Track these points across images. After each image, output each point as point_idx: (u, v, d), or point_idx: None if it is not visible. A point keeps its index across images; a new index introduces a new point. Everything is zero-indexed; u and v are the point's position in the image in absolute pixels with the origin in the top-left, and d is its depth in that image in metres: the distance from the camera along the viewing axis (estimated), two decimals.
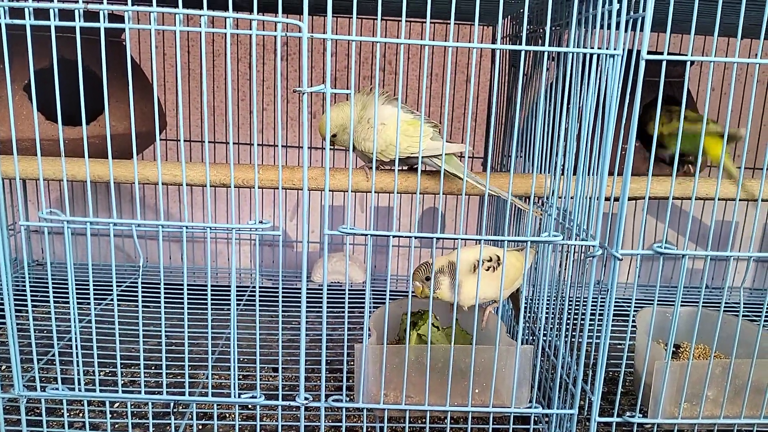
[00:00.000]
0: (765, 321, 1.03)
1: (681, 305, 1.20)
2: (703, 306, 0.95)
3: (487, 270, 1.01)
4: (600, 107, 0.85)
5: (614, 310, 1.46)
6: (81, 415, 1.07)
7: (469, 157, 1.75)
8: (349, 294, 1.00)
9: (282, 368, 0.96)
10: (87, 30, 0.78)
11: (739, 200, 0.96)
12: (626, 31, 0.81)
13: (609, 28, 0.81)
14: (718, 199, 0.94)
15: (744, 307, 1.71)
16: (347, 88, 0.80)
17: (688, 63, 0.82)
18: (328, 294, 1.04)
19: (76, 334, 0.89)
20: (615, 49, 0.81)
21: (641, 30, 0.79)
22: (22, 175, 0.99)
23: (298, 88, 0.76)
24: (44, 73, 1.02)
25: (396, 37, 1.69)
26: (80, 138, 1.13)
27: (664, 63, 0.78)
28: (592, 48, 0.84)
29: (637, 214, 1.83)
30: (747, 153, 1.69)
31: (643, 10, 0.77)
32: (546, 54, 0.84)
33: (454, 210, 1.87)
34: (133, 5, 0.77)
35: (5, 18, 0.76)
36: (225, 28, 0.76)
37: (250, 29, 0.77)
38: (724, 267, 1.15)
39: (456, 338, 1.10)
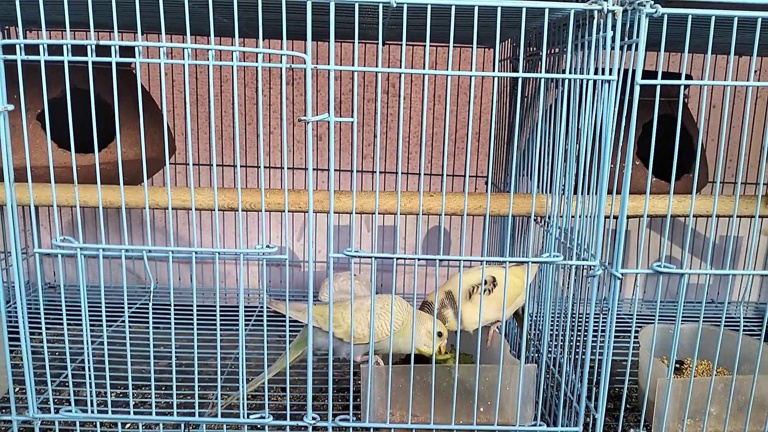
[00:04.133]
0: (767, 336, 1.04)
1: (686, 321, 1.22)
2: (707, 322, 0.96)
3: (484, 293, 1.04)
4: (598, 129, 0.87)
5: (619, 327, 1.46)
6: None
7: (472, 176, 1.78)
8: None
9: (290, 388, 0.97)
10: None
11: (738, 216, 0.97)
12: (622, 50, 0.83)
13: (604, 48, 0.83)
14: (717, 216, 0.95)
15: (750, 323, 1.72)
16: (351, 111, 0.82)
17: (682, 87, 0.84)
18: None
19: (88, 356, 0.92)
20: (610, 75, 0.83)
21: (636, 50, 0.81)
22: (36, 201, 1.02)
23: (302, 118, 0.78)
24: (56, 102, 1.05)
25: (398, 60, 1.72)
26: (92, 165, 1.16)
27: (659, 87, 0.80)
28: (589, 72, 0.86)
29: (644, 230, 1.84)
30: (748, 169, 1.71)
31: (637, 36, 0.80)
32: (543, 80, 0.86)
33: (459, 228, 1.89)
34: (142, 37, 0.80)
35: (21, 54, 0.80)
36: (231, 59, 0.79)
37: (256, 61, 0.79)
38: (728, 282, 1.16)
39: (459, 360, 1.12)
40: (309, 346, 0.92)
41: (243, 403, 0.94)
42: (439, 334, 1.04)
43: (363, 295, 1.80)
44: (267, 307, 0.98)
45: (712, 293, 1.91)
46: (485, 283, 1.05)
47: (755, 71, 1.61)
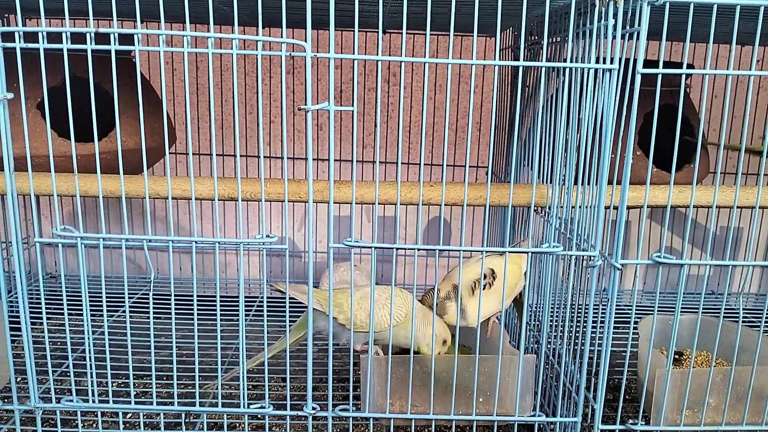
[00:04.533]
0: (766, 327, 1.04)
1: (686, 312, 1.22)
2: (707, 313, 0.96)
3: (484, 288, 1.03)
4: (599, 118, 0.87)
5: (619, 317, 1.46)
6: (95, 425, 1.10)
7: (473, 167, 1.78)
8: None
9: (290, 378, 0.98)
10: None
11: (738, 207, 0.97)
12: (622, 39, 0.82)
13: (606, 37, 0.83)
14: (717, 207, 0.95)
15: (750, 314, 1.72)
16: (351, 100, 0.82)
17: (683, 76, 0.84)
18: None
19: (89, 345, 0.92)
20: (611, 64, 0.82)
21: (637, 39, 0.80)
22: (36, 191, 1.02)
23: (302, 107, 0.78)
24: (56, 91, 1.05)
25: (398, 49, 1.72)
26: (92, 154, 1.16)
27: (660, 76, 0.80)
28: (590, 61, 0.86)
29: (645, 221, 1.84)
30: (749, 160, 1.70)
31: (638, 25, 0.79)
32: (544, 69, 0.85)
33: (459, 219, 1.89)
34: (141, 25, 0.80)
35: (20, 42, 0.79)
36: (231, 48, 0.79)
37: (256, 49, 0.79)
38: (728, 273, 1.16)
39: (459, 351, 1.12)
40: (309, 329, 0.92)
41: (243, 393, 0.95)
42: (444, 342, 1.05)
43: (363, 284, 1.80)
44: (267, 297, 0.98)
45: (712, 284, 1.91)
46: (484, 277, 1.05)
47: (757, 60, 1.61)
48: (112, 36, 0.79)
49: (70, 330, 0.93)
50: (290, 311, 0.93)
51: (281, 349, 1.05)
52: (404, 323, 1.01)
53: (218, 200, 1.01)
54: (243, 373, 0.94)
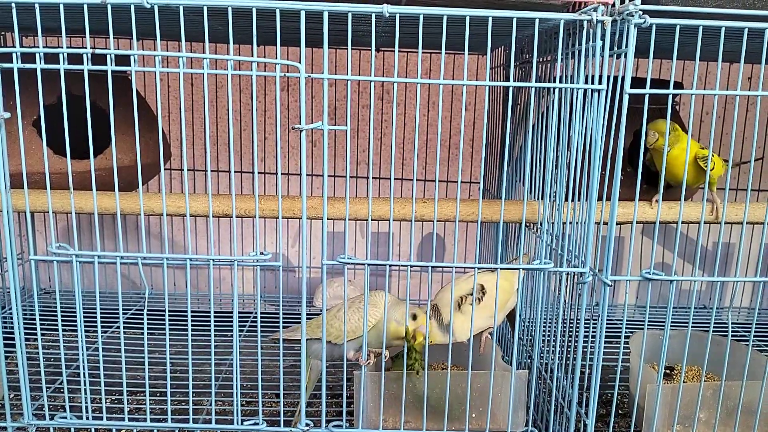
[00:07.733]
0: (755, 342, 1.05)
1: (678, 327, 1.23)
2: (699, 328, 0.97)
3: (474, 302, 1.04)
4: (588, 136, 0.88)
5: (612, 332, 1.47)
6: None
7: (465, 182, 1.79)
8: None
9: (284, 394, 0.98)
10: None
11: (726, 223, 0.98)
12: (611, 59, 0.84)
13: (594, 58, 0.85)
14: (706, 222, 0.96)
15: (742, 328, 1.73)
16: (345, 117, 0.83)
17: (670, 96, 0.85)
18: None
19: (83, 362, 0.92)
20: (599, 84, 0.84)
21: (625, 58, 0.82)
22: (31, 207, 1.03)
23: (296, 126, 0.79)
24: (53, 108, 1.06)
25: (392, 66, 1.73)
26: (87, 171, 1.16)
27: (647, 96, 0.81)
28: (579, 81, 0.87)
29: (636, 237, 1.85)
30: (738, 176, 1.72)
31: (626, 46, 0.81)
32: (534, 89, 0.87)
33: (453, 235, 1.90)
34: (137, 44, 0.81)
35: (18, 62, 0.80)
36: (226, 68, 0.80)
37: (251, 69, 0.80)
38: (717, 288, 1.17)
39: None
40: (302, 347, 0.93)
41: (237, 410, 0.95)
42: (414, 317, 1.02)
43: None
44: (261, 313, 0.98)
45: (704, 299, 1.92)
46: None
47: (747, 78, 1.63)
48: (108, 57, 0.80)
49: (64, 346, 0.93)
50: (285, 328, 0.93)
51: (311, 382, 1.06)
52: (377, 325, 1.01)
53: (213, 217, 1.02)
54: (237, 389, 0.95)
